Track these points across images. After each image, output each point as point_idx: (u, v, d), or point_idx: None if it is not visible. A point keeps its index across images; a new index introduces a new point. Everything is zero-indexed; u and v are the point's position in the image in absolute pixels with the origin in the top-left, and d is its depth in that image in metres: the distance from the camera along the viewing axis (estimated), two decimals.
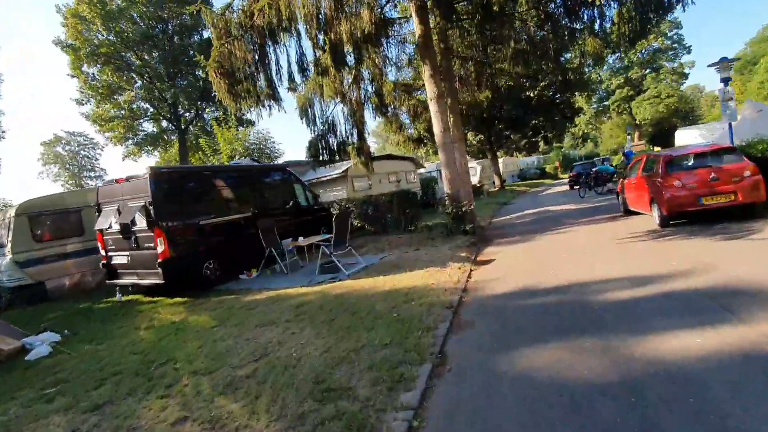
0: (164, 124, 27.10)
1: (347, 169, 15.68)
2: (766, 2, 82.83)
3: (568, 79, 11.29)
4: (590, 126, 57.35)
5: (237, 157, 16.51)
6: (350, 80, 12.75)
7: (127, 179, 8.18)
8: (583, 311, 4.40)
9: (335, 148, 12.35)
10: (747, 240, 6.18)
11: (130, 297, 8.78)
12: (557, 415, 2.67)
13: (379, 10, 10.34)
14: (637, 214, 9.86)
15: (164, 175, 8.02)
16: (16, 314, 8.43)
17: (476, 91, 13.67)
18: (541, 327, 4.16)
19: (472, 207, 10.86)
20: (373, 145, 61.61)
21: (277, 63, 8.86)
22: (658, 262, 5.75)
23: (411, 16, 10.91)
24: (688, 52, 44.29)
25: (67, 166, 50.85)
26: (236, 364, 4.15)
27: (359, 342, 4.24)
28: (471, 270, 7.21)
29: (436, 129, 10.32)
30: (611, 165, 19.29)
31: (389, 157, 19.75)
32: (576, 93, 27.54)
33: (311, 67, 9.18)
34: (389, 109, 14.77)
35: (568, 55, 11.47)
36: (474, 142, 30.61)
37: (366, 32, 8.92)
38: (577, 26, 9.84)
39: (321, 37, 9.59)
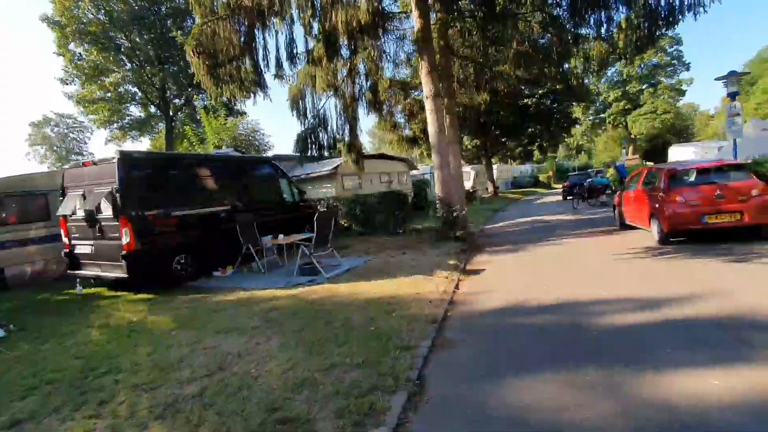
0: (152, 109, 26.21)
1: (338, 166, 15.16)
2: (765, 24, 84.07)
3: (570, 85, 10.92)
4: (585, 137, 57.51)
5: (224, 147, 15.87)
6: (345, 73, 12.25)
7: (95, 163, 7.58)
8: (582, 336, 3.94)
9: (325, 143, 11.83)
10: (756, 264, 5.78)
11: (93, 290, 8.16)
12: None
13: (377, 2, 9.85)
14: (634, 228, 9.48)
15: (135, 160, 7.42)
16: None
17: (474, 94, 13.24)
18: (536, 353, 3.69)
19: (464, 212, 10.42)
20: (369, 144, 60.94)
21: (265, 48, 8.34)
22: (661, 283, 5.33)
23: (411, 10, 10.43)
24: (687, 69, 44.51)
25: (55, 148, 49.58)
26: (185, 379, 3.61)
27: (328, 359, 3.73)
28: (459, 280, 6.73)
29: (431, 129, 9.85)
30: (605, 177, 19.08)
31: (382, 156, 19.25)
32: (574, 102, 27.30)
33: (302, 55, 8.62)
34: (384, 106, 14.29)
35: (570, 62, 11.03)
36: (469, 147, 30.25)
37: (363, 22, 8.42)
38: (583, 30, 9.46)
39: (315, 24, 9.07)
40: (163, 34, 22.10)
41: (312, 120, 11.89)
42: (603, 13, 8.90)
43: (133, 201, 7.17)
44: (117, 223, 7.04)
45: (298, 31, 8.12)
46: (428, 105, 9.80)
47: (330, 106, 11.43)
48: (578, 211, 15.80)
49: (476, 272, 7.33)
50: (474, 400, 3.01)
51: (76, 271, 7.97)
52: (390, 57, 13.82)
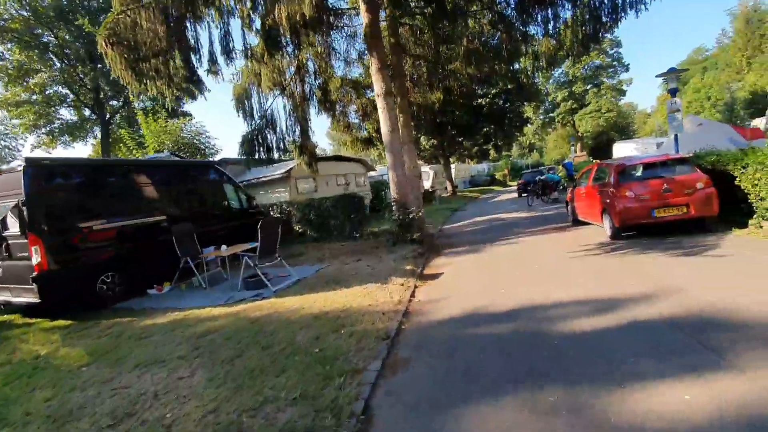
0: (87, 112, 23.98)
1: (291, 169, 14.47)
2: (695, 28, 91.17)
3: (521, 83, 10.92)
4: (537, 136, 59.68)
5: (165, 152, 14.67)
6: (293, 71, 11.64)
7: None
8: (542, 346, 3.65)
9: (274, 145, 11.17)
10: (705, 257, 5.82)
11: (3, 317, 7.09)
12: None
13: None
14: (587, 224, 9.57)
15: (46, 168, 6.46)
16: None
17: (428, 92, 13.02)
18: (495, 369, 3.35)
19: (421, 213, 10.12)
20: (328, 147, 60.07)
21: (197, 41, 7.55)
22: (617, 282, 5.21)
23: (359, 5, 10.01)
24: (627, 70, 47.15)
25: None
26: None
27: (260, 395, 3.21)
28: (416, 286, 6.37)
29: (384, 128, 9.47)
30: (557, 174, 19.63)
31: (338, 158, 18.70)
32: (525, 102, 28.02)
33: (241, 51, 7.94)
34: (337, 107, 13.80)
35: (520, 61, 11.06)
36: (427, 147, 30.30)
37: (307, 16, 7.88)
38: (531, 28, 9.45)
39: (255, 18, 8.43)
40: (94, 30, 20.10)
41: (259, 121, 11.19)
42: (550, 10, 8.90)
43: (45, 215, 6.26)
44: (25, 240, 6.10)
45: (237, 23, 7.44)
46: (380, 103, 9.42)
47: (278, 105, 10.90)
48: (533, 208, 16.02)
49: (434, 277, 7.01)
50: None
51: None
52: (341, 55, 13.38)
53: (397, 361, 3.79)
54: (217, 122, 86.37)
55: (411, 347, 4.07)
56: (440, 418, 2.78)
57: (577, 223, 10.04)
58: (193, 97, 7.99)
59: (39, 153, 22.43)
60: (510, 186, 37.70)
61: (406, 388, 3.28)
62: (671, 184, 7.21)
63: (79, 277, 6.62)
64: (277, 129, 11.23)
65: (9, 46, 19.93)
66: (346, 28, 12.72)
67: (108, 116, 23.41)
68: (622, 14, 8.53)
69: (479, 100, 25.29)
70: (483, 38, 10.62)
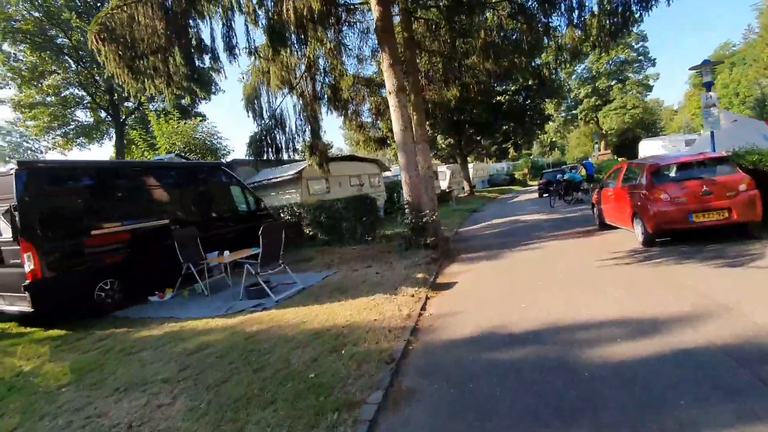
0: (103, 114, 24.26)
1: (302, 170, 14.13)
2: (723, 24, 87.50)
3: (542, 78, 10.24)
4: (558, 134, 58.10)
5: (171, 153, 14.57)
6: (303, 70, 11.29)
7: None
8: (572, 379, 3.11)
9: (283, 145, 10.82)
10: (753, 268, 5.13)
11: (0, 325, 6.92)
12: None
13: None
14: (615, 228, 8.88)
15: (39, 171, 6.24)
16: None
17: (443, 89, 12.47)
18: (515, 408, 2.84)
19: (435, 217, 9.59)
20: (345, 147, 59.75)
21: (199, 38, 7.20)
22: (654, 297, 4.59)
23: None
24: (653, 65, 45.41)
25: (7, 159, 46.44)
26: None
27: None
28: (428, 297, 5.87)
29: (396, 127, 8.99)
30: (579, 173, 18.71)
31: (351, 158, 18.30)
32: (547, 99, 27.06)
33: (242, 45, 7.56)
34: (350, 105, 13.38)
35: (542, 55, 10.39)
36: (444, 146, 29.64)
37: (315, 11, 7.47)
38: (554, 18, 8.79)
39: (261, 13, 8.07)
40: (83, 25, 19.96)
41: (268, 120, 10.87)
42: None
43: (39, 220, 6.02)
44: (18, 247, 5.87)
45: (241, 19, 7.09)
46: (392, 101, 8.94)
47: (288, 105, 10.54)
48: (555, 209, 15.27)
49: (447, 286, 6.49)
50: None
51: None
52: (353, 52, 12.94)
53: (401, 392, 3.31)
54: (230, 124, 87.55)
55: (418, 374, 3.59)
56: None
57: (604, 227, 9.34)
58: (194, 96, 7.73)
59: (54, 155, 22.89)
60: (530, 186, 36.71)
61: (409, 428, 2.80)
62: (711, 186, 6.51)
63: (75, 285, 6.37)
64: (287, 129, 10.89)
65: (21, 47, 20.22)
66: (358, 24, 12.26)
67: (123, 118, 23.63)
68: (653, 2, 7.82)
69: (498, 98, 24.51)
70: (502, 32, 10.00)
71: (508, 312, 4.82)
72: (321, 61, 11.80)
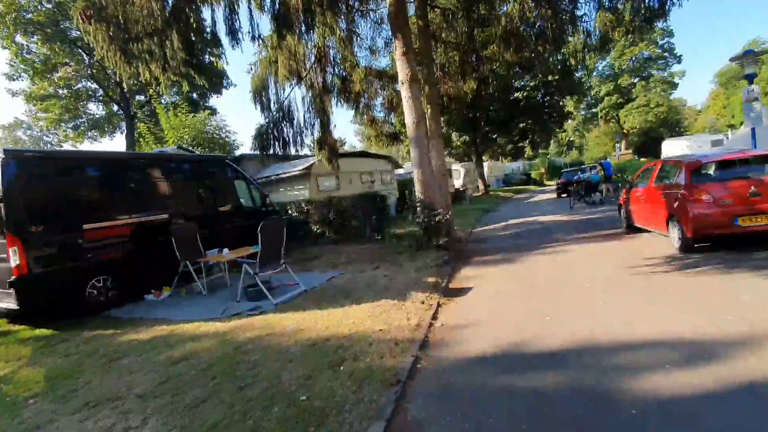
0: (115, 107, 24.25)
1: (311, 165, 13.68)
2: (750, 20, 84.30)
3: (567, 67, 9.49)
4: (577, 133, 56.62)
5: (186, 147, 14.29)
6: (313, 60, 10.81)
7: None
8: (615, 419, 2.55)
9: (291, 139, 10.37)
10: None
11: None
12: None
13: None
14: (645, 231, 8.18)
15: (26, 161, 5.86)
16: None
17: (460, 81, 11.85)
18: None
19: (449, 216, 9.02)
20: (358, 144, 59.24)
21: (199, 20, 6.73)
22: (703, 314, 3.97)
23: None
24: (679, 62, 43.69)
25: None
26: None
27: None
28: (439, 305, 5.34)
29: (408, 120, 8.46)
30: (598, 174, 17.86)
31: (362, 154, 17.79)
32: (567, 95, 26.11)
33: (245, 29, 7.06)
34: (361, 99, 12.87)
35: (568, 44, 9.67)
36: (458, 144, 28.92)
37: None
38: (582, 2, 8.09)
39: None
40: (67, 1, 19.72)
41: (275, 113, 10.43)
42: None
43: (26, 212, 5.68)
44: (2, 240, 5.53)
45: (246, 2, 6.62)
46: (404, 92, 8.41)
47: (296, 97, 10.07)
48: (575, 210, 14.53)
49: (461, 292, 5.94)
50: None
51: None
52: (366, 43, 12.45)
53: (407, 424, 2.78)
54: (241, 118, 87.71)
55: (427, 400, 3.06)
56: None
57: (632, 229, 8.65)
58: (193, 82, 7.27)
59: (66, 147, 22.82)
60: (547, 186, 35.72)
61: None
62: (760, 187, 5.82)
63: (65, 282, 6.01)
64: (295, 122, 10.45)
65: (33, 38, 20.18)
66: (371, 13, 11.76)
67: (133, 111, 23.55)
68: None
69: (516, 94, 23.71)
70: (524, 19, 9.32)
71: (531, 325, 4.25)
72: (332, 52, 11.33)
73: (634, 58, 42.40)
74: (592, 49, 8.49)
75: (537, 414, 2.70)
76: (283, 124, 10.19)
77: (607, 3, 7.60)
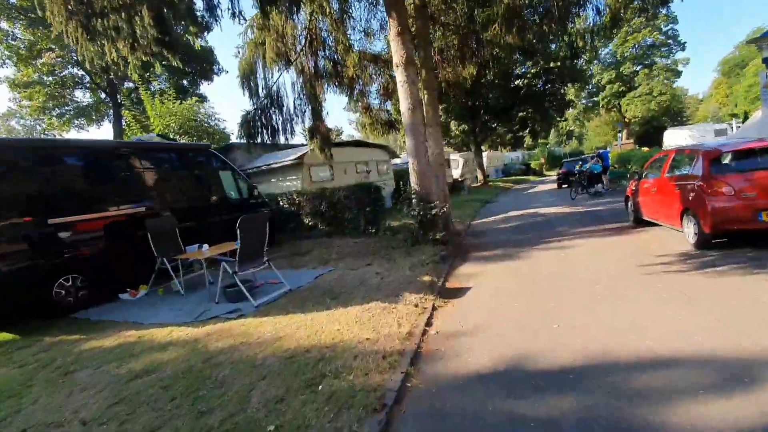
0: (103, 95, 23.45)
1: (304, 155, 13.12)
2: (755, 7, 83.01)
3: (574, 50, 8.88)
4: (577, 122, 55.87)
5: (172, 135, 13.71)
6: (303, 42, 10.20)
7: None
8: None
9: (280, 126, 9.81)
10: None
11: None
12: None
13: None
14: (654, 225, 7.71)
15: None
16: None
17: (459, 66, 11.24)
18: None
19: (446, 209, 8.53)
20: (356, 133, 58.34)
21: None
22: (734, 322, 3.49)
23: None
24: (683, 49, 42.76)
25: None
26: None
27: None
28: (434, 308, 4.87)
29: (403, 106, 7.91)
30: (598, 164, 17.27)
31: (358, 143, 17.20)
32: (569, 83, 25.41)
33: (224, 5, 6.45)
34: (356, 84, 12.26)
35: (574, 23, 9.06)
36: (457, 133, 28.27)
37: None
38: None
39: None
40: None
41: (264, 99, 9.85)
42: None
43: None
44: None
45: None
46: (399, 76, 7.84)
47: (286, 82, 9.55)
48: (576, 201, 14.05)
49: (458, 293, 5.47)
50: None
51: None
52: (360, 26, 11.82)
53: None
54: (233, 106, 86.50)
55: (416, 430, 2.60)
56: None
57: (639, 223, 8.17)
58: (166, 63, 6.66)
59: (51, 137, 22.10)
60: (547, 176, 35.20)
61: None
62: None
63: (29, 282, 5.52)
64: (284, 108, 9.87)
65: (17, 24, 19.37)
66: None
67: (120, 99, 22.79)
68: None
69: (517, 81, 23.04)
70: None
71: (537, 334, 3.79)
72: (324, 35, 10.71)
73: (637, 45, 41.49)
74: (602, 28, 7.92)
75: None
76: (271, 111, 9.62)
77: None
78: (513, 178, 34.77)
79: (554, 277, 5.58)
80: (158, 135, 12.09)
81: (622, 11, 7.00)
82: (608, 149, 25.56)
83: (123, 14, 5.73)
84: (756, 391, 2.53)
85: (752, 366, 2.79)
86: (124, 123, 20.60)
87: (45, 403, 3.32)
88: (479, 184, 27.86)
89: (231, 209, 8.64)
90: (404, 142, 27.12)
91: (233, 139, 17.57)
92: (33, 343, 4.87)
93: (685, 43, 42.44)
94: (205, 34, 7.67)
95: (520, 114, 26.52)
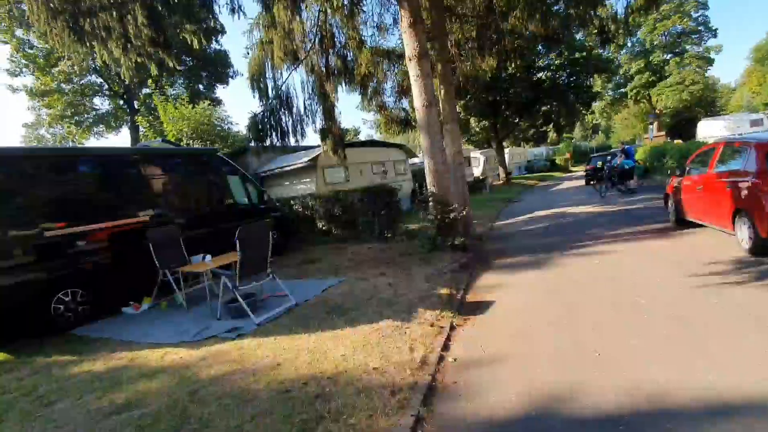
0: (121, 102, 23.77)
1: (317, 156, 12.71)
2: None
3: (606, 33, 8.11)
4: (604, 115, 53.81)
5: (184, 140, 13.60)
6: (313, 40, 9.79)
7: None
8: None
9: (289, 128, 9.43)
10: None
11: None
12: None
13: None
14: (698, 226, 6.92)
15: None
16: None
17: (477, 59, 10.60)
18: None
19: (466, 212, 7.95)
20: (372, 132, 57.98)
21: None
22: None
23: None
24: (714, 36, 40.43)
25: None
26: None
27: None
28: (452, 327, 4.34)
29: (417, 102, 7.38)
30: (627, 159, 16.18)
31: (373, 143, 16.73)
32: (595, 74, 24.20)
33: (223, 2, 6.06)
34: (369, 82, 11.79)
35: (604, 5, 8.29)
36: (478, 129, 27.43)
37: None
38: None
39: None
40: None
41: (273, 100, 9.50)
42: None
43: None
44: None
45: None
46: (412, 70, 7.32)
47: (295, 82, 9.06)
48: (607, 200, 13.17)
49: (480, 308, 4.91)
50: None
51: None
52: (373, 20, 11.33)
53: None
54: (249, 108, 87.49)
55: None
56: None
57: (682, 224, 7.37)
58: (162, 65, 6.35)
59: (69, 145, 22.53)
60: (573, 172, 33.84)
61: None
62: None
63: (24, 297, 5.27)
64: (294, 109, 9.49)
65: (34, 30, 19.75)
66: None
67: (137, 105, 23.01)
68: None
69: (539, 74, 22.07)
70: None
71: (575, 365, 3.20)
72: (334, 31, 10.28)
73: (666, 33, 39.48)
74: (638, 8, 7.16)
75: None
76: (281, 112, 9.27)
77: None
78: (537, 174, 33.55)
79: (589, 290, 4.95)
80: (163, 140, 11.93)
81: None
82: (638, 143, 24.23)
83: (114, 13, 5.44)
84: None
85: None
86: (141, 129, 20.87)
87: None
88: (501, 182, 26.96)
89: (240, 215, 8.30)
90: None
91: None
92: (22, 366, 4.58)
93: (717, 29, 40.09)
94: (220, 36, 7.38)
95: (544, 108, 25.46)
